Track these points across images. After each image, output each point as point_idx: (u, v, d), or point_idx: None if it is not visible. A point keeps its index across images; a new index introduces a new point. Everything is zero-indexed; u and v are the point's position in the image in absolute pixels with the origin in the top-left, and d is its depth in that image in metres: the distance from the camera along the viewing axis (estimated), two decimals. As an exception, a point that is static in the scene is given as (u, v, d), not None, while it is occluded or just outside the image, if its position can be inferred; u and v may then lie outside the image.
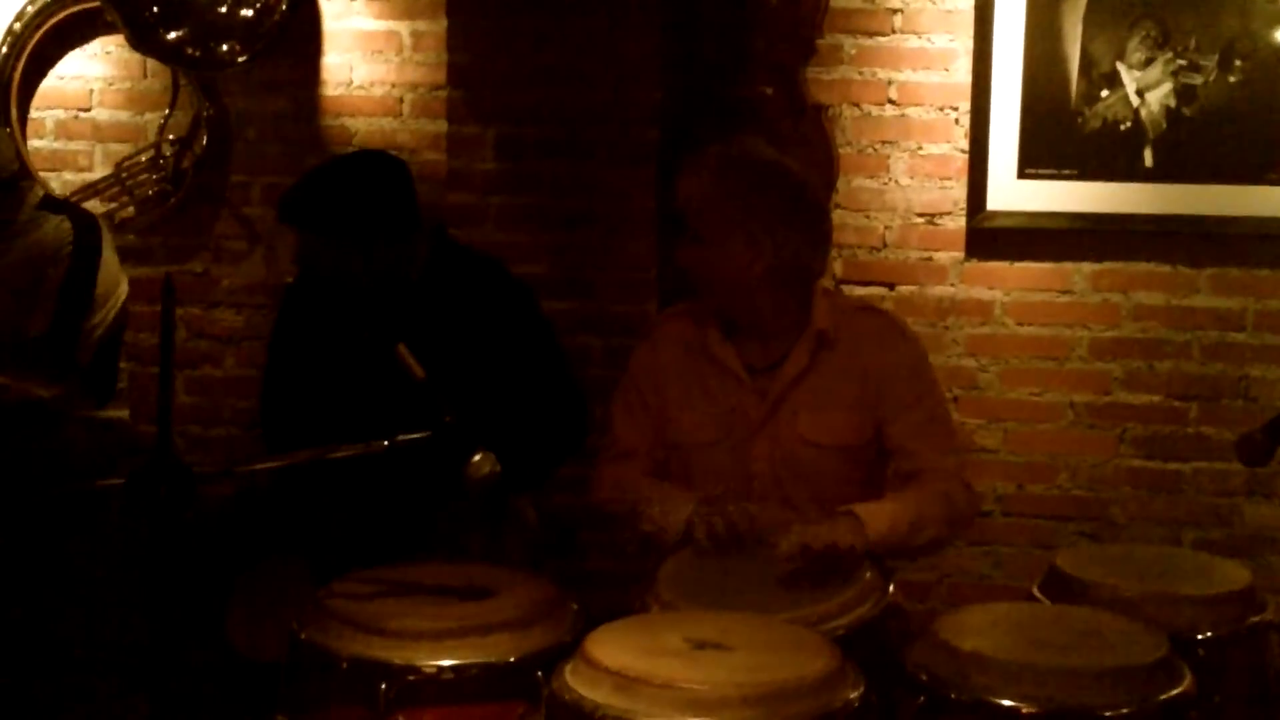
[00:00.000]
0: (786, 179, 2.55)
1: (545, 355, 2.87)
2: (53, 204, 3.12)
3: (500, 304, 2.84)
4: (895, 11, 3.51)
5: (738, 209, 2.50)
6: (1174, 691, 2.02)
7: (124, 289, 3.08)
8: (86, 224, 3.04)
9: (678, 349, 2.62)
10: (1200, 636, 2.28)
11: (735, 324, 2.59)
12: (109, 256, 3.04)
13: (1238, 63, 3.37)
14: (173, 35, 3.52)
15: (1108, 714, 1.97)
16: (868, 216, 3.57)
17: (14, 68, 3.74)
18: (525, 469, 2.67)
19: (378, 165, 2.83)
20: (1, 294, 2.97)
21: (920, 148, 3.54)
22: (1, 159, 3.03)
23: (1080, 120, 3.44)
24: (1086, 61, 3.42)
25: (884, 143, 3.55)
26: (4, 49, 3.73)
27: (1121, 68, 3.42)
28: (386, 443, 2.22)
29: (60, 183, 3.82)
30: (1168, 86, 3.40)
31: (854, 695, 1.92)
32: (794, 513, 2.45)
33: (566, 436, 2.86)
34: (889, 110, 3.54)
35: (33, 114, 3.83)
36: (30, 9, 3.73)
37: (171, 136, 3.77)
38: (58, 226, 3.00)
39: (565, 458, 2.87)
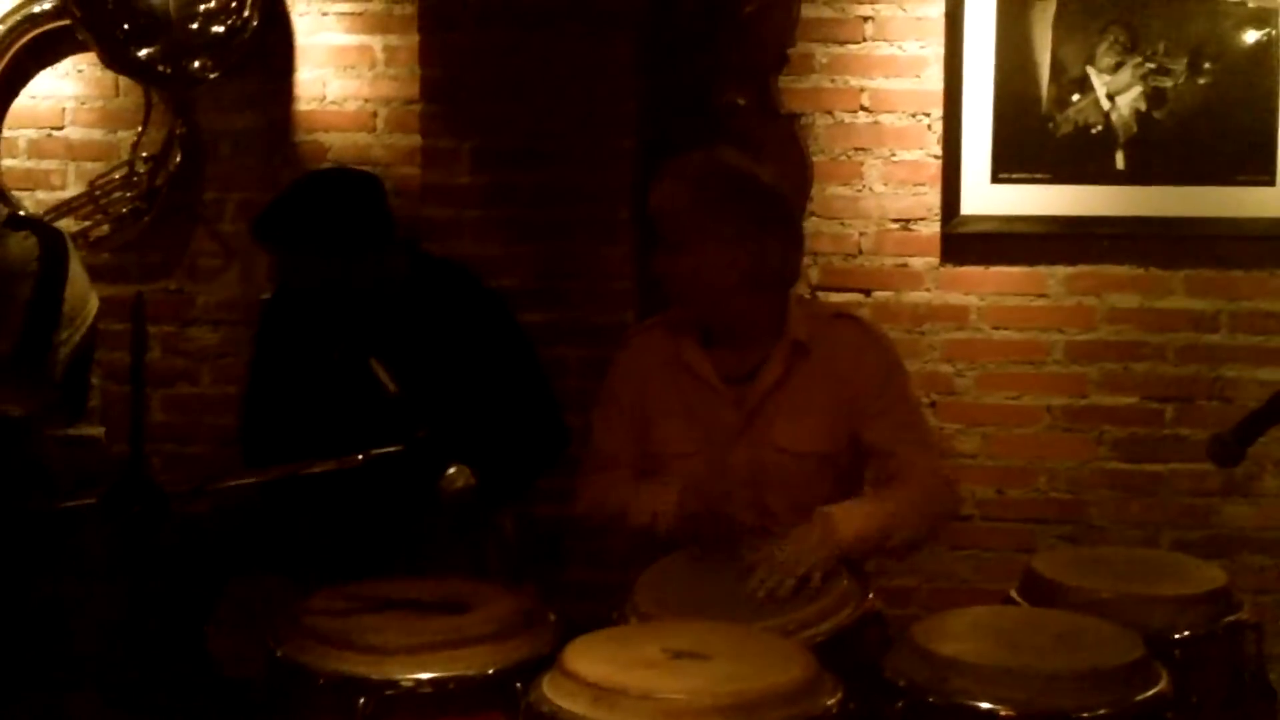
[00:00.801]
0: (761, 187, 2.55)
1: (522, 365, 2.87)
2: (18, 221, 3.09)
3: (475, 314, 2.85)
4: (866, 19, 3.52)
5: (713, 218, 2.49)
6: (1151, 692, 2.03)
7: (93, 306, 3.07)
8: (52, 240, 3.02)
9: (654, 360, 2.62)
10: (1176, 637, 2.29)
11: (711, 333, 2.59)
12: (76, 273, 3.02)
13: (1206, 65, 3.40)
14: (144, 52, 3.51)
15: (1085, 716, 1.97)
16: (842, 224, 3.58)
17: (-15, 87, 3.73)
18: (504, 480, 2.67)
19: (347, 180, 2.86)
20: None
21: (893, 154, 3.55)
22: None
23: (1052, 125, 3.46)
24: (1057, 66, 3.44)
25: (857, 150, 3.56)
26: (-25, 69, 3.72)
27: (1091, 72, 3.44)
28: (360, 457, 2.22)
29: (34, 202, 3.80)
30: (1138, 90, 3.42)
31: (831, 702, 1.92)
32: (770, 520, 2.45)
33: (544, 447, 2.86)
34: (862, 117, 3.55)
35: (5, 133, 3.81)
36: (0, 28, 3.72)
37: (145, 154, 3.75)
38: (23, 243, 2.98)
39: (544, 469, 2.87)
